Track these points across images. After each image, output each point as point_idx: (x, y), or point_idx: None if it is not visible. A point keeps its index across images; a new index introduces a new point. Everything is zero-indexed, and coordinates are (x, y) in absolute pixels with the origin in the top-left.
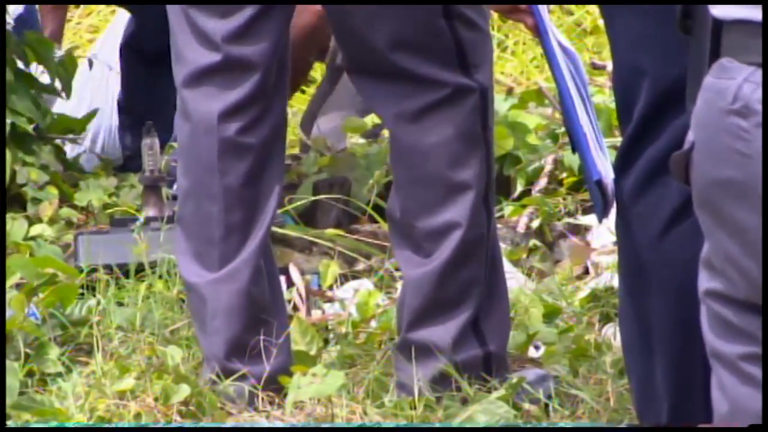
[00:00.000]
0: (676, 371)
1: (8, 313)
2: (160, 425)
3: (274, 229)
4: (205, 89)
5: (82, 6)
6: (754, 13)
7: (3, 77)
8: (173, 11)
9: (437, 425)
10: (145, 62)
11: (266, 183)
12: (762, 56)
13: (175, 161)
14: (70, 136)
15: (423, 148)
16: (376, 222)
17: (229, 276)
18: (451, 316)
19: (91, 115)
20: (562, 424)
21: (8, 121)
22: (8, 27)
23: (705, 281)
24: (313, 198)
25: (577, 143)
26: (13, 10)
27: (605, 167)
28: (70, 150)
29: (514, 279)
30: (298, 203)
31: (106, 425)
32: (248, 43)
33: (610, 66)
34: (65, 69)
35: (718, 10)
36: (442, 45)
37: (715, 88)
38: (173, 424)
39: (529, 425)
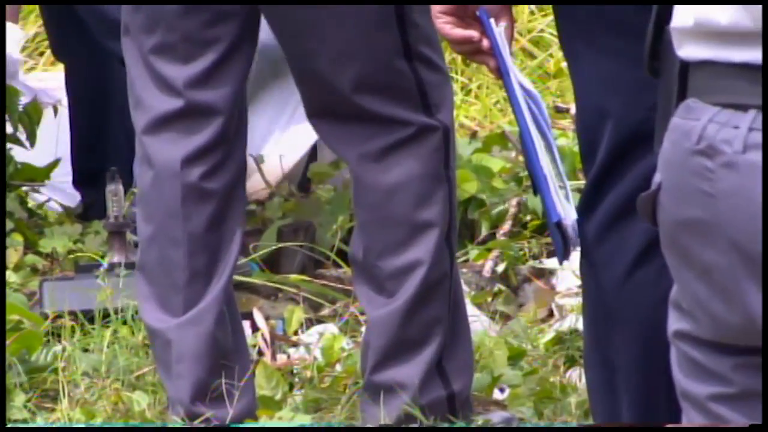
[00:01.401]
0: (642, 413)
1: None
2: (158, 425)
3: (240, 277)
4: (167, 135)
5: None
6: (720, 53)
7: (3, 81)
8: (132, 59)
9: (438, 426)
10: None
11: (229, 227)
12: (762, 67)
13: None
14: (34, 184)
15: (386, 187)
16: (340, 267)
17: (194, 320)
18: (415, 356)
19: (54, 164)
20: (558, 424)
21: None
22: None
23: (674, 322)
24: (278, 244)
25: (537, 185)
26: None
27: (565, 209)
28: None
29: (479, 322)
30: (263, 250)
31: (106, 425)
32: (210, 89)
33: (573, 109)
34: (29, 117)
35: (683, 52)
36: (405, 86)
37: (681, 129)
38: (171, 424)
39: (529, 425)
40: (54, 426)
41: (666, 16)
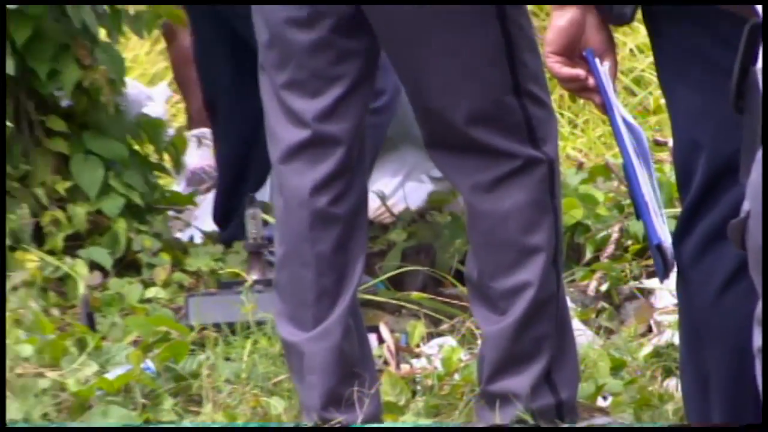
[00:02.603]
0: (731, 419)
1: (127, 367)
2: (163, 425)
3: (367, 295)
4: (297, 164)
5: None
6: None
7: (3, 80)
8: (267, 94)
9: (439, 425)
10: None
11: (353, 249)
12: (762, 55)
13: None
14: (179, 208)
15: (497, 215)
16: (457, 286)
17: (323, 334)
18: (526, 368)
19: (196, 192)
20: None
21: (123, 195)
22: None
23: (758, 338)
24: (402, 265)
25: (639, 211)
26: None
27: (665, 233)
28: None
29: (584, 336)
30: (388, 270)
31: (106, 425)
32: (335, 122)
33: (671, 142)
34: (175, 148)
35: None
36: (514, 120)
37: None
38: (169, 424)
39: (527, 426)
40: (55, 426)
41: (751, 58)
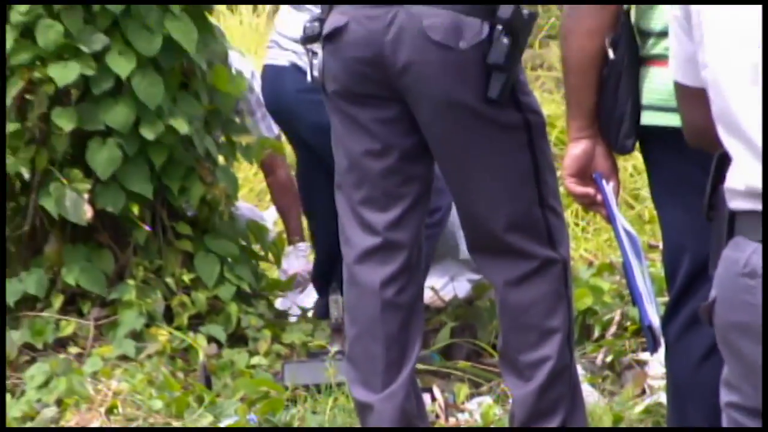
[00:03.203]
0: None
1: (235, 418)
2: (157, 427)
3: (424, 365)
4: (370, 263)
5: None
6: (758, 206)
7: (3, 80)
8: (343, 208)
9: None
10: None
11: (413, 329)
12: (762, 55)
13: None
14: (279, 293)
15: (523, 305)
16: (494, 357)
17: (390, 396)
18: (547, 422)
19: (293, 278)
20: None
21: (235, 284)
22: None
23: (725, 395)
24: (451, 340)
25: (635, 299)
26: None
27: (655, 317)
28: (279, 303)
29: (592, 396)
30: (440, 343)
31: (105, 426)
32: (400, 231)
33: (661, 246)
34: (276, 247)
35: (733, 204)
36: (538, 228)
37: (731, 258)
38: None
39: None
40: (54, 427)
41: (720, 178)
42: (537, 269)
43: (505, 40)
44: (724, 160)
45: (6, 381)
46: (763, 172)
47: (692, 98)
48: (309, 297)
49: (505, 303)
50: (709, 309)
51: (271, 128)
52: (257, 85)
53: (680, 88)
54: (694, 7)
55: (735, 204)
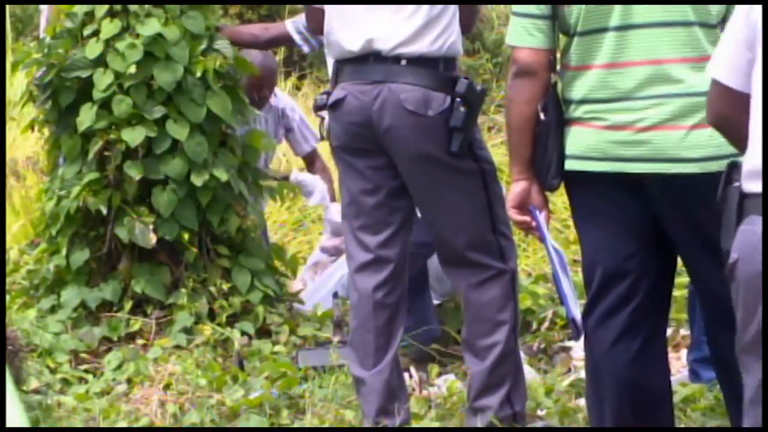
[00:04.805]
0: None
1: (261, 392)
2: (159, 426)
3: (404, 349)
4: (365, 273)
5: None
6: (760, 187)
7: (3, 75)
8: (347, 232)
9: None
10: None
11: (397, 323)
12: (763, 56)
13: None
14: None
15: (481, 302)
16: (459, 342)
17: (378, 372)
18: (496, 392)
19: (302, 290)
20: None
21: (262, 291)
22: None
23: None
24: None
25: (563, 300)
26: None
27: (577, 313)
28: (295, 284)
29: (530, 374)
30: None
31: (105, 426)
32: (388, 248)
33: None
34: (293, 263)
35: (745, 186)
36: (492, 248)
37: (749, 230)
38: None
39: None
40: (54, 427)
41: (731, 178)
42: (492, 277)
43: (463, 109)
44: (732, 168)
45: (87, 366)
46: (763, 170)
47: (730, 98)
48: (321, 282)
49: (467, 302)
50: (732, 268)
51: (308, 139)
52: (295, 106)
53: (721, 88)
54: (759, 27)
55: (746, 187)
